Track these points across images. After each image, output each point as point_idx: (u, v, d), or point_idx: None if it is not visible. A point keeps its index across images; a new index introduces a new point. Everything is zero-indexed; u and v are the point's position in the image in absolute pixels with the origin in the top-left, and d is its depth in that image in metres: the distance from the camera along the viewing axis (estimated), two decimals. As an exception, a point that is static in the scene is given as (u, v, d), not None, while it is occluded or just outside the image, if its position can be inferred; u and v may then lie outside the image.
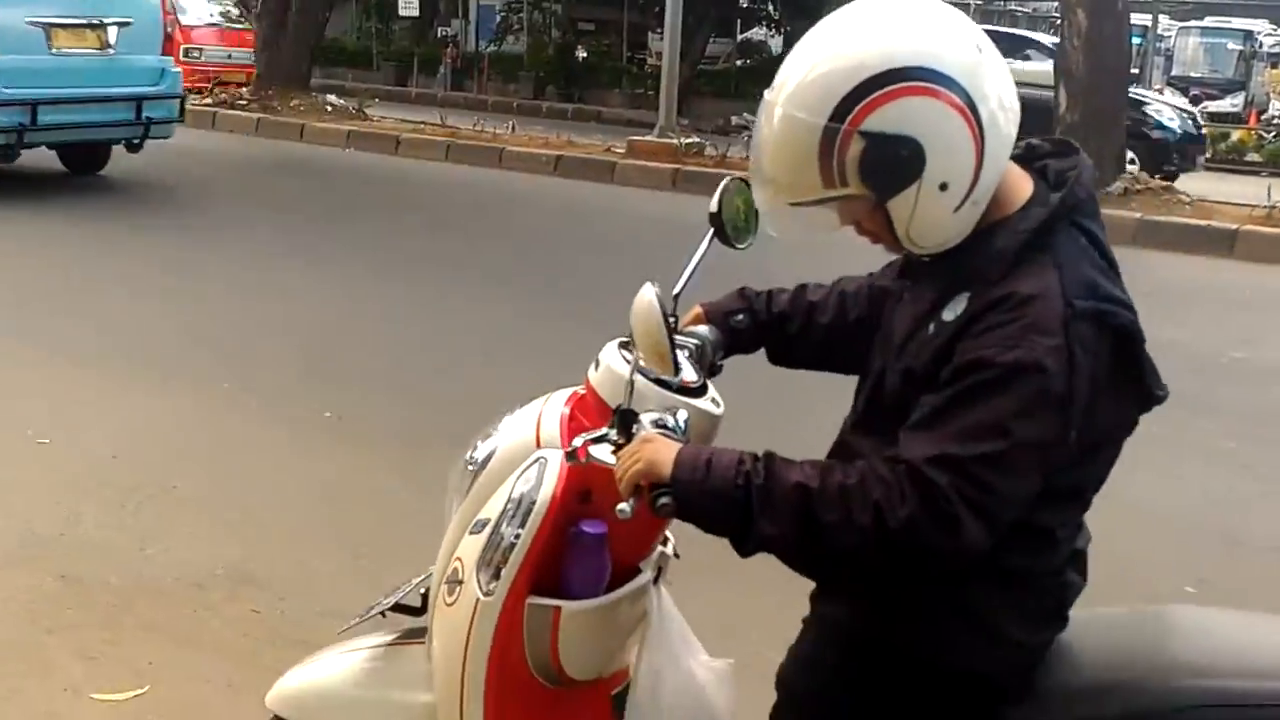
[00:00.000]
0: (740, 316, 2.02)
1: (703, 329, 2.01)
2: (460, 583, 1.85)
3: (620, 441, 1.70)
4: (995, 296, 1.57)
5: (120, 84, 10.06)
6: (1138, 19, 19.68)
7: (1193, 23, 28.83)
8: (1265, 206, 10.95)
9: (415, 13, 23.13)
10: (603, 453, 1.71)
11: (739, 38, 24.36)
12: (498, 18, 26.75)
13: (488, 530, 1.82)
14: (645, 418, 1.72)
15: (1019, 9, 30.70)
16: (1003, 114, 1.60)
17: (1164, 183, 11.62)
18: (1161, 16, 26.11)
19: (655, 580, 1.90)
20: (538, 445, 1.85)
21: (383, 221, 10.09)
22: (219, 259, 8.21)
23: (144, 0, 10.36)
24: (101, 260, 8.03)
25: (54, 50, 9.63)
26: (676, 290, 1.96)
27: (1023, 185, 1.67)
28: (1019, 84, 1.66)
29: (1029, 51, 15.22)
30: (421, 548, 2.13)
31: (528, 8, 26.05)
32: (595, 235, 9.67)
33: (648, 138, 13.70)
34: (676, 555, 2.02)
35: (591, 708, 1.96)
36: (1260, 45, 27.09)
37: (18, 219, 9.02)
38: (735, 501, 1.57)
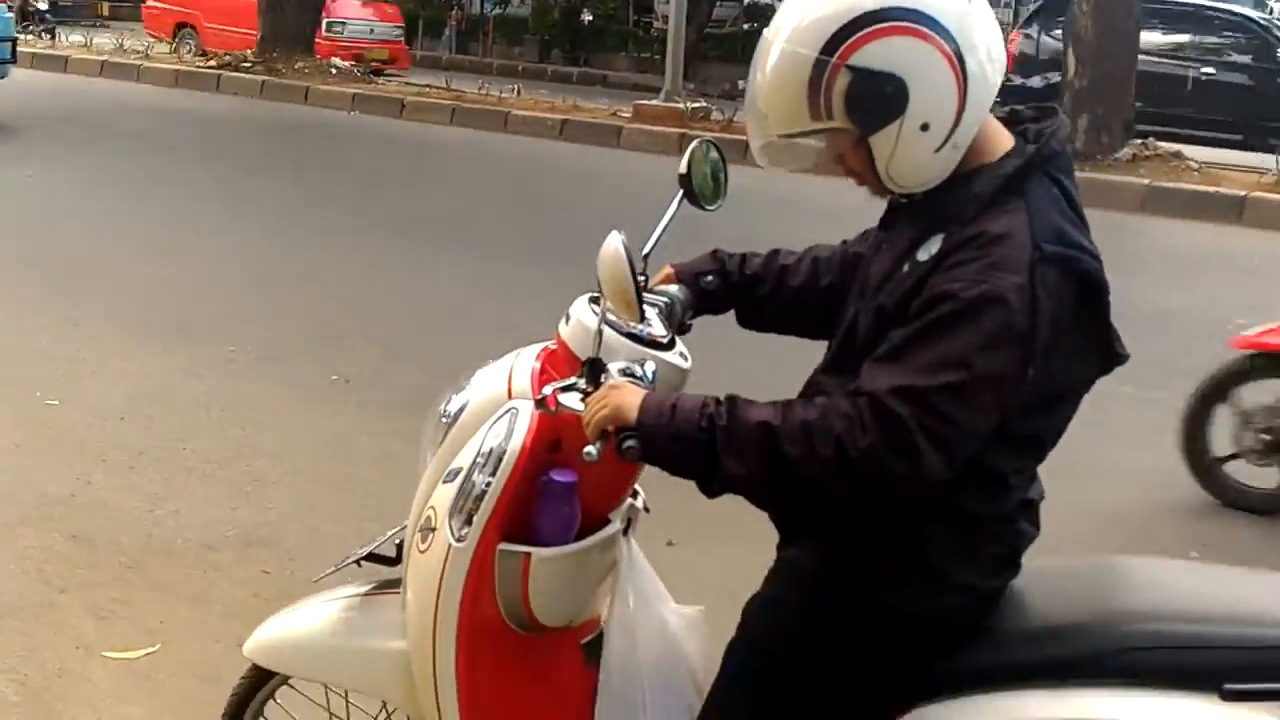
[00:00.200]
0: (710, 277, 2.05)
1: (673, 288, 2.04)
2: (433, 530, 1.88)
3: (589, 390, 1.75)
4: (966, 235, 1.63)
5: None
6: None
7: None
8: (1274, 173, 10.92)
9: (421, -26, 23.04)
10: (571, 400, 1.76)
11: (746, 1, 24.23)
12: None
13: (460, 479, 1.85)
14: (613, 367, 1.77)
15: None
16: (988, 64, 1.66)
17: (1173, 148, 11.56)
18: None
19: (625, 532, 1.95)
20: (509, 397, 1.88)
21: (388, 185, 10.07)
22: (223, 222, 8.21)
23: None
24: (106, 223, 8.04)
25: None
26: (646, 250, 2.01)
27: (1003, 138, 1.73)
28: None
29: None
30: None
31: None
32: (601, 199, 9.63)
33: (653, 102, 13.65)
34: (646, 509, 2.06)
35: (562, 655, 1.99)
36: (1274, 14, 26.87)
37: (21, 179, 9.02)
38: (700, 443, 1.62)
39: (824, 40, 1.62)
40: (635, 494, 2.02)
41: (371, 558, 2.11)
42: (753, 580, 1.88)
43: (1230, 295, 7.72)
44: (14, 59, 12.78)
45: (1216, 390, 4.66)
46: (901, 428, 1.54)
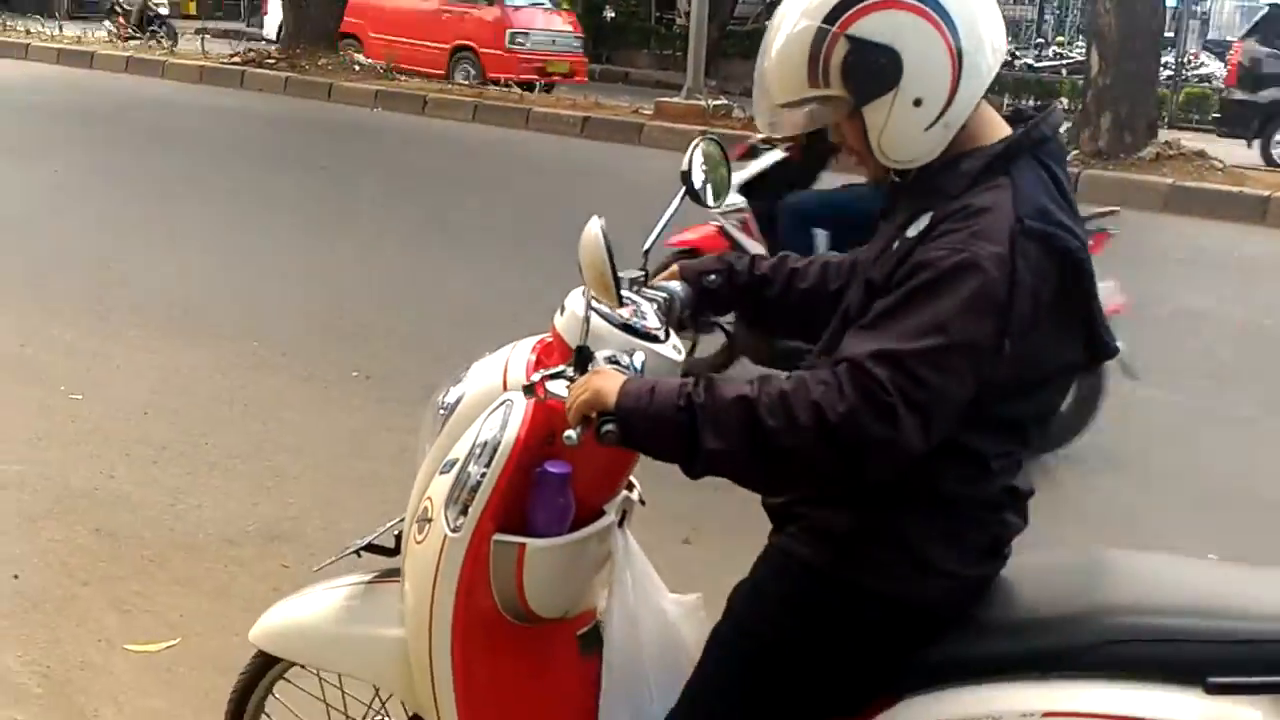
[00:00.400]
0: (713, 276, 2.08)
1: (674, 284, 2.07)
2: (430, 521, 1.91)
3: (576, 378, 1.77)
4: (951, 209, 1.67)
5: None
6: (1175, -19, 19.42)
7: (1230, -15, 28.43)
8: (1299, 172, 10.85)
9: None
10: (559, 387, 1.78)
11: (769, -1, 24.24)
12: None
13: (456, 469, 1.88)
14: (601, 355, 1.79)
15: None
16: (985, 47, 1.70)
17: (1196, 147, 11.49)
18: (1198, -22, 25.74)
19: (621, 523, 1.97)
20: (505, 389, 1.91)
21: (409, 182, 10.12)
22: (247, 218, 8.27)
23: None
24: (130, 218, 8.10)
25: None
26: (646, 246, 2.05)
27: (999, 127, 1.77)
28: None
29: None
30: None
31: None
32: (622, 197, 9.63)
33: (675, 99, 13.67)
34: (642, 502, 2.07)
35: (558, 646, 2.01)
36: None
37: (44, 178, 9.09)
38: (679, 423, 1.63)
39: (828, 9, 1.68)
40: (631, 486, 2.05)
41: (371, 548, 2.14)
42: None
43: (1254, 296, 7.69)
44: None
45: None
46: (880, 390, 1.56)
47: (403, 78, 16.05)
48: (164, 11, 20.75)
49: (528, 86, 15.81)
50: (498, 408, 1.88)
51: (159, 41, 19.01)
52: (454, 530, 1.86)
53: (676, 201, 2.07)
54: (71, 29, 19.77)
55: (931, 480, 1.69)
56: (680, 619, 2.05)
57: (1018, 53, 22.57)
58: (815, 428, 1.57)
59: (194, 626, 3.22)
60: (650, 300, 2.01)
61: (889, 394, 1.56)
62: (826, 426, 1.57)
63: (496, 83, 15.77)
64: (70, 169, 9.50)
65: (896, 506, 1.71)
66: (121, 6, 20.66)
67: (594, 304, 1.83)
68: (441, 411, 2.00)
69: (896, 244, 1.72)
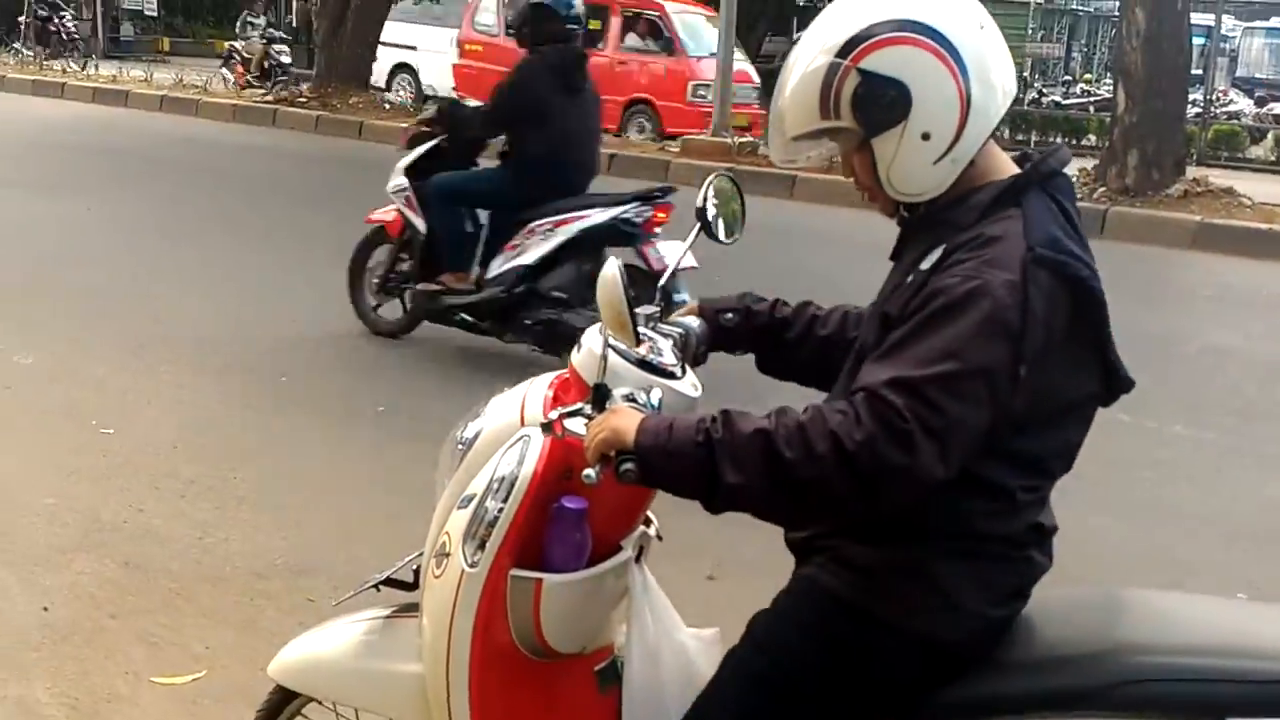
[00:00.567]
0: (730, 315, 2.11)
1: (691, 320, 2.10)
2: (447, 555, 1.92)
3: (594, 415, 1.78)
4: (964, 239, 1.70)
5: None
6: (1201, 19, 19.39)
7: (1258, 23, 28.35)
8: (1329, 211, 10.77)
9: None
10: (577, 425, 1.80)
11: (795, 36, 24.30)
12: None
13: (473, 505, 1.89)
14: (618, 393, 1.81)
15: (1081, 9, 30.36)
16: (994, 87, 1.74)
17: (1225, 184, 11.45)
18: (1226, 16, 25.69)
19: (638, 559, 1.97)
20: (522, 424, 1.93)
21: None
22: (277, 254, 8.36)
23: None
24: (163, 254, 8.20)
25: None
26: (662, 281, 2.10)
27: (1007, 165, 1.81)
28: None
29: None
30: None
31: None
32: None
33: (701, 136, 13.73)
34: (659, 537, 2.08)
35: (575, 681, 2.01)
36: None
37: (74, 214, 9.22)
38: (697, 457, 1.64)
39: (841, 44, 1.74)
40: (648, 521, 2.06)
41: (390, 582, 2.16)
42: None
43: (1282, 333, 7.63)
44: None
45: (361, 255, 6.53)
46: (897, 417, 1.58)
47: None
48: (286, 59, 19.53)
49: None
50: (515, 443, 1.89)
51: (286, 88, 17.58)
52: (471, 565, 1.87)
53: (692, 236, 2.12)
54: (107, 68, 20.09)
55: (961, 519, 1.70)
56: (699, 654, 2.05)
57: (1045, 90, 22.61)
58: (833, 457, 1.58)
59: (220, 659, 3.24)
60: (666, 336, 2.03)
61: (906, 421, 1.57)
62: (844, 455, 1.58)
63: (674, 138, 14.47)
64: (104, 207, 9.63)
65: (927, 544, 1.72)
66: (240, 54, 19.74)
67: (611, 342, 1.85)
68: (460, 446, 2.02)
69: (911, 278, 1.74)
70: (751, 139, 13.70)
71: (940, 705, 1.74)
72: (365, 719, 2.24)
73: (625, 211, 5.74)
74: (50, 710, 2.99)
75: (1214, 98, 20.36)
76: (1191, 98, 15.22)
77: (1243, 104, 22.56)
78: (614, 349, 1.86)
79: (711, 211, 2.12)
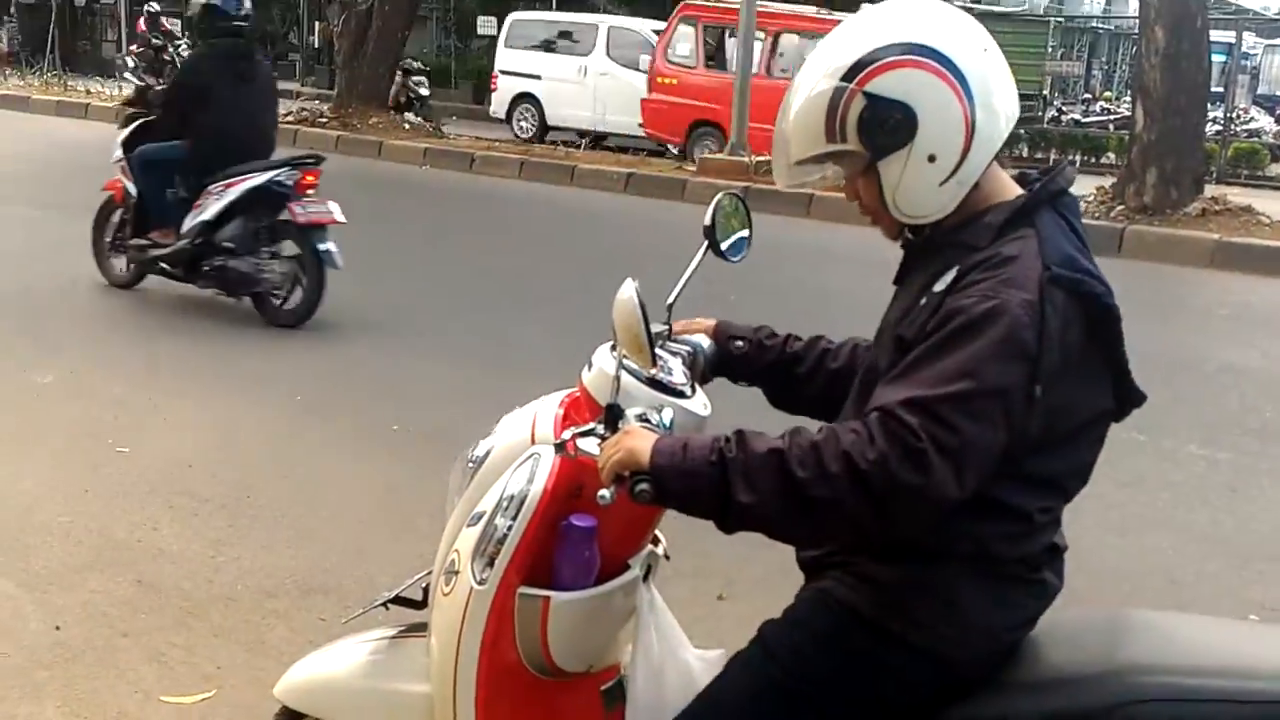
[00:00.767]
0: (740, 343, 2.13)
1: (699, 338, 2.12)
2: (456, 573, 1.93)
3: (606, 435, 1.79)
4: (979, 259, 1.70)
5: None
6: (1222, 36, 19.33)
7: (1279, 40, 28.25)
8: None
9: (493, 31, 23.45)
10: (590, 445, 1.81)
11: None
12: (574, 36, 26.97)
13: (483, 522, 1.90)
14: (631, 413, 1.81)
15: (1101, 26, 30.32)
16: (998, 109, 1.75)
17: (1243, 203, 11.40)
18: (1247, 34, 25.61)
19: (646, 578, 1.98)
20: (532, 443, 1.94)
21: (456, 237, 10.24)
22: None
23: None
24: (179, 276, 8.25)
25: None
26: (670, 300, 2.09)
27: (1011, 186, 1.82)
28: None
29: None
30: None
31: (603, 26, 26.21)
32: (664, 252, 9.66)
33: (718, 155, 13.76)
34: (667, 557, 2.09)
35: (581, 700, 2.02)
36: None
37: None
38: (711, 477, 1.65)
39: (846, 68, 1.75)
40: (656, 541, 2.06)
41: (399, 600, 2.17)
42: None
43: (1302, 353, 7.58)
44: None
45: (100, 219, 7.67)
46: (911, 436, 1.58)
47: (451, 134, 16.18)
48: (424, 92, 18.71)
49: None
50: (525, 461, 1.91)
51: (425, 126, 17.00)
52: (480, 582, 1.88)
53: (700, 255, 2.12)
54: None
55: (979, 542, 1.71)
56: (704, 674, 2.04)
57: (1064, 108, 22.56)
58: (846, 477, 1.59)
59: (229, 678, 3.26)
60: (675, 354, 2.06)
61: (920, 440, 1.57)
62: (857, 474, 1.58)
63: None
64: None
65: (946, 566, 1.72)
66: None
67: (624, 362, 1.86)
68: (470, 464, 2.04)
69: (924, 300, 1.74)
70: (769, 157, 13.70)
71: None
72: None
73: (279, 175, 6.91)
74: (60, 729, 3.01)
75: (1234, 115, 20.27)
76: (1212, 115, 15.17)
77: (1264, 121, 22.43)
78: (626, 369, 1.87)
79: (719, 231, 2.13)
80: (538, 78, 18.88)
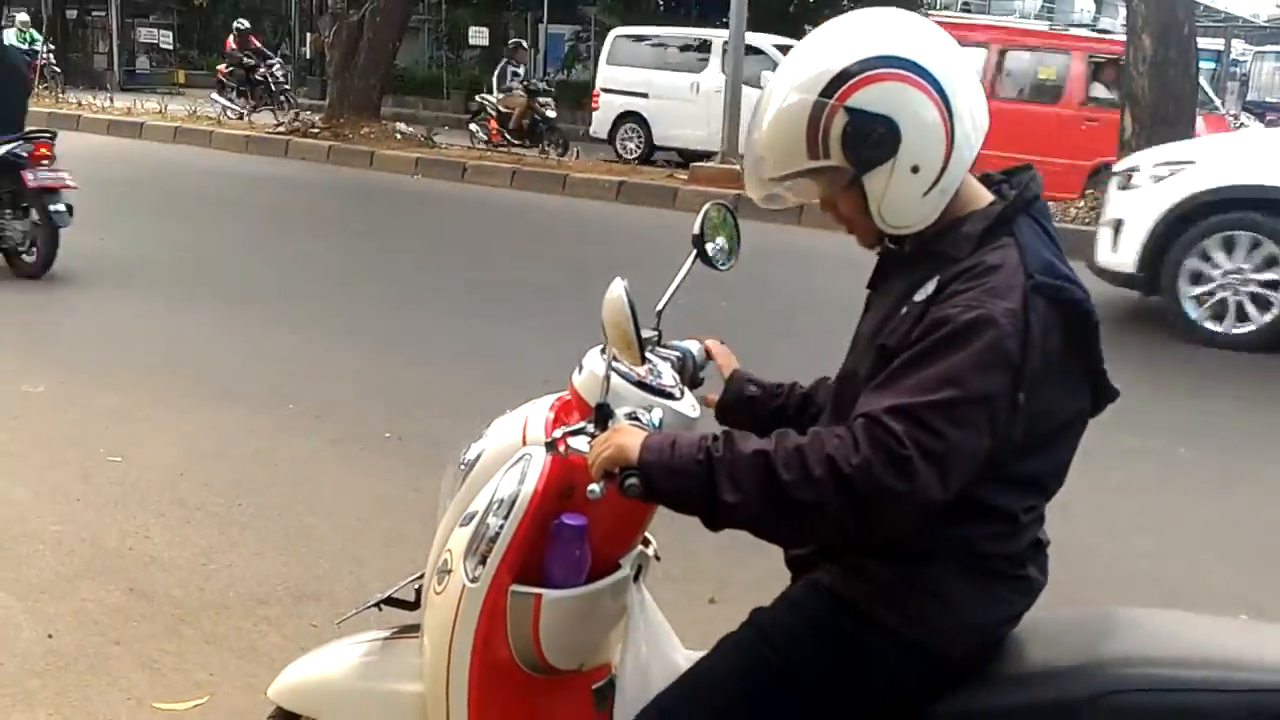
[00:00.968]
0: (754, 387, 2.19)
1: (690, 344, 2.16)
2: (449, 572, 1.95)
3: (596, 434, 1.82)
4: (962, 268, 1.72)
5: None
6: (1212, 43, 19.40)
7: (1269, 47, 28.31)
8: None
9: (485, 42, 23.51)
10: (580, 444, 1.83)
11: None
12: (565, 46, 27.05)
13: (475, 521, 1.93)
14: (620, 412, 1.84)
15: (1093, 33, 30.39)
16: (972, 116, 1.76)
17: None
18: (1236, 40, 25.69)
19: (636, 578, 2.00)
20: (524, 444, 1.97)
21: (447, 246, 10.26)
22: (286, 283, 8.41)
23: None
24: (173, 285, 8.26)
25: None
26: (659, 307, 2.12)
27: (983, 194, 1.84)
28: None
29: None
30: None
31: (595, 36, 26.30)
32: (655, 260, 9.67)
33: (709, 164, 13.79)
34: (657, 557, 2.11)
35: (573, 699, 2.04)
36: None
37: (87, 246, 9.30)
38: (697, 475, 1.67)
39: (825, 83, 1.74)
40: (647, 542, 2.08)
41: (391, 601, 2.19)
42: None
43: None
44: None
45: None
46: (895, 443, 1.60)
47: (443, 144, 16.17)
48: (551, 114, 17.18)
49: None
50: (517, 462, 1.93)
51: (552, 154, 16.06)
52: (472, 580, 1.91)
53: (689, 263, 2.14)
54: (122, 100, 20.28)
55: (966, 543, 1.73)
56: None
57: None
58: (830, 480, 1.61)
59: (221, 685, 3.26)
60: (664, 359, 2.09)
61: (904, 447, 1.59)
62: (841, 479, 1.60)
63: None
64: (117, 237, 9.70)
65: (935, 564, 1.74)
66: (495, 108, 17.31)
67: (614, 363, 1.88)
68: (462, 467, 2.06)
69: (905, 309, 1.76)
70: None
71: (930, 717, 1.76)
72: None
73: (15, 147, 7.99)
74: (52, 736, 3.01)
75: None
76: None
77: (1254, 127, 22.51)
78: (616, 370, 1.89)
79: (707, 240, 2.15)
80: (644, 95, 17.83)
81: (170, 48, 30.64)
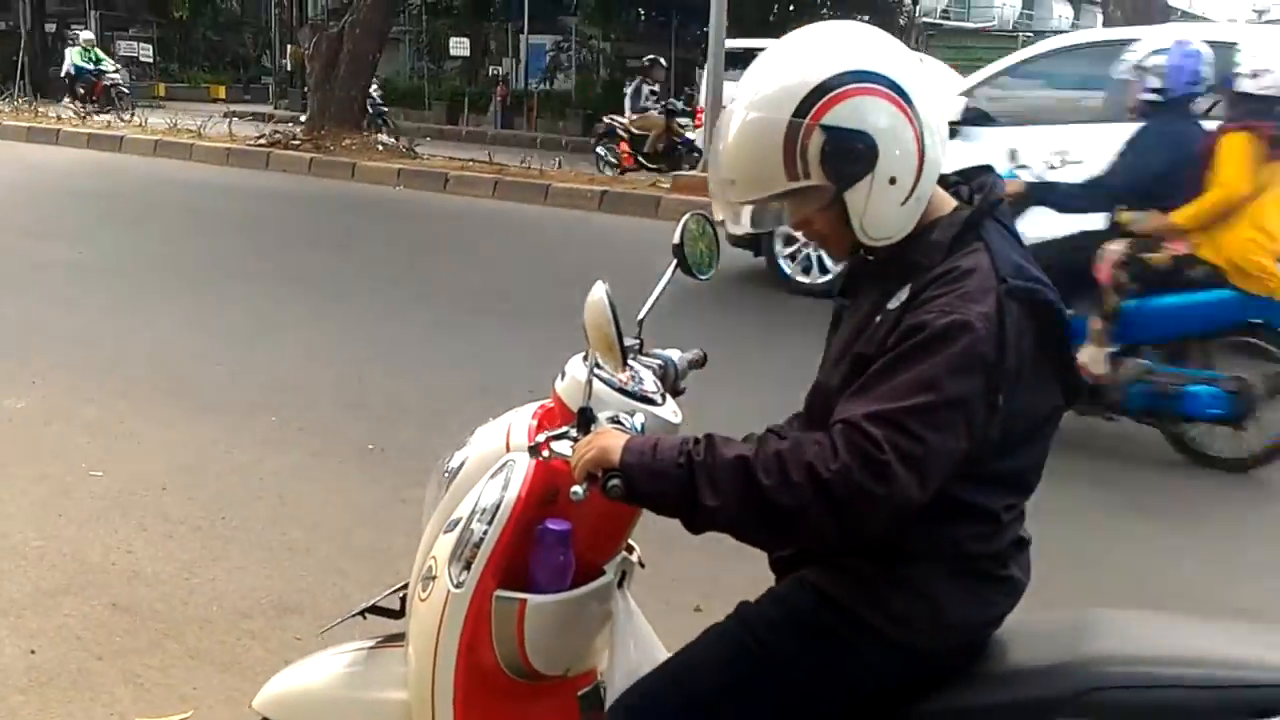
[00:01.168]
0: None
1: (670, 352, 2.18)
2: (434, 578, 1.97)
3: (579, 438, 1.83)
4: (935, 274, 1.74)
5: None
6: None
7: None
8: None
9: (466, 52, 23.57)
10: (563, 447, 1.85)
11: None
12: (547, 56, 27.09)
13: (459, 528, 1.95)
14: (603, 416, 1.86)
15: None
16: (937, 124, 1.79)
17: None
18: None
19: (620, 584, 2.02)
20: (507, 451, 1.98)
21: (430, 258, 10.25)
22: (267, 296, 8.38)
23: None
24: (153, 298, 8.23)
25: None
26: (640, 316, 2.14)
27: (946, 198, 1.86)
28: None
29: None
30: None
31: (576, 46, 26.36)
32: (637, 269, 9.68)
33: (691, 173, 13.81)
34: (641, 564, 2.13)
35: (559, 705, 2.06)
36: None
37: (80, 258, 9.26)
38: (678, 478, 1.69)
39: (796, 103, 1.74)
40: (630, 549, 2.10)
41: (376, 610, 2.19)
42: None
43: None
44: None
45: None
46: (874, 448, 1.61)
47: (425, 155, 16.17)
48: (691, 135, 15.75)
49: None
50: (500, 468, 1.96)
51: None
52: (457, 586, 1.92)
53: (669, 273, 2.16)
54: (102, 114, 20.20)
55: (949, 544, 1.75)
56: None
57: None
58: (809, 485, 1.62)
59: (205, 699, 3.24)
60: (646, 367, 2.11)
61: (883, 452, 1.61)
62: (820, 483, 1.62)
63: None
64: (96, 251, 9.67)
65: (922, 564, 1.76)
66: (624, 129, 16.26)
67: (596, 369, 1.90)
68: (446, 475, 2.08)
69: (879, 317, 1.77)
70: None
71: (913, 715, 1.78)
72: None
73: None
74: (35, 753, 2.99)
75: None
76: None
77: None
78: (598, 376, 1.90)
79: (690, 250, 2.17)
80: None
81: (150, 60, 30.59)
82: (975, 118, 7.79)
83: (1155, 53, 5.51)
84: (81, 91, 21.53)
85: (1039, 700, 1.69)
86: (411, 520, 4.43)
